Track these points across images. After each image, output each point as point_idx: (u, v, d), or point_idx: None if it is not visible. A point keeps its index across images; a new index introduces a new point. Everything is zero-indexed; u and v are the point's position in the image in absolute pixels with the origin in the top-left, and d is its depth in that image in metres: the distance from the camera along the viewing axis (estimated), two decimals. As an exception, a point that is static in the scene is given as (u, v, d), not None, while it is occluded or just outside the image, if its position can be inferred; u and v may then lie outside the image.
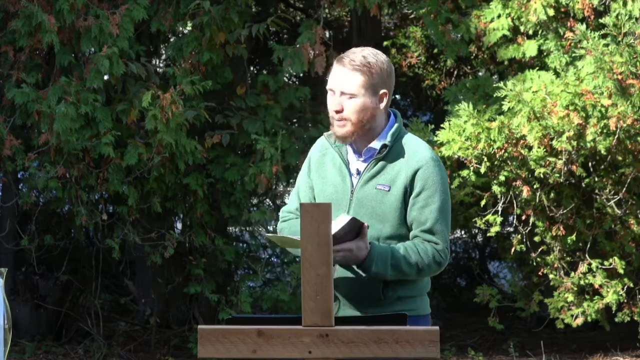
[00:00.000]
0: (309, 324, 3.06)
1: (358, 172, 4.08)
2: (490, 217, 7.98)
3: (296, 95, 8.51)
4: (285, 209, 4.24)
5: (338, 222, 3.85)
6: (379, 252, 3.96)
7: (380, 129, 4.11)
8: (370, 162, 4.07)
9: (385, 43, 10.94)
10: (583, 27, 7.43)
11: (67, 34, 7.86)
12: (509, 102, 7.52)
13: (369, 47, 4.19)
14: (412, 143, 4.10)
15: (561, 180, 7.69)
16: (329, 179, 4.11)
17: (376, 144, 4.08)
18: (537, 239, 8.03)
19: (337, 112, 4.04)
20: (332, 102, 4.06)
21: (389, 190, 4.03)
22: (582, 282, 8.00)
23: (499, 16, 8.02)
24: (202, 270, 8.40)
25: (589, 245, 8.00)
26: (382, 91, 4.06)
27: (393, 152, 4.07)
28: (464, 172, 7.81)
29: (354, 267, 3.99)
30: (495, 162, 7.70)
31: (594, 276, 7.99)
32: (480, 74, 9.67)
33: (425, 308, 4.14)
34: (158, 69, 8.74)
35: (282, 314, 8.46)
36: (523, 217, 7.99)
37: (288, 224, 4.19)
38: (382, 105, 4.07)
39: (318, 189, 4.13)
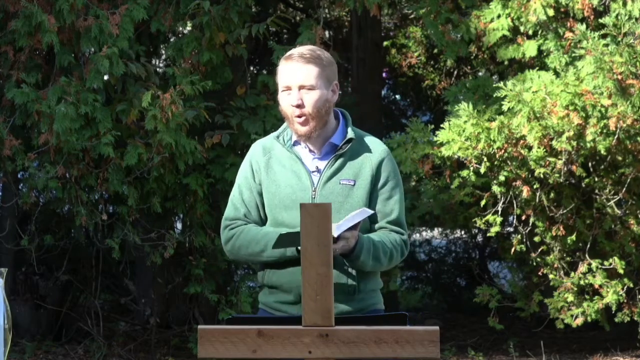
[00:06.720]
0: (309, 324, 3.06)
1: (318, 170, 4.04)
2: (490, 217, 7.98)
3: (296, 95, 8.50)
4: (229, 217, 4.09)
5: (351, 218, 3.84)
6: (364, 240, 3.94)
7: (333, 124, 4.08)
8: (330, 158, 4.03)
9: (385, 43, 10.95)
10: (583, 27, 7.44)
11: (67, 34, 7.86)
12: (508, 102, 7.52)
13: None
14: (368, 136, 4.11)
15: (561, 180, 7.69)
16: (283, 181, 4.03)
17: (336, 139, 4.06)
18: (537, 239, 8.03)
19: (298, 106, 3.96)
20: (291, 98, 3.97)
21: (354, 185, 4.02)
22: (582, 282, 8.00)
23: (498, 16, 8.02)
24: (202, 270, 8.39)
25: (589, 245, 8.00)
26: (334, 82, 4.04)
27: (353, 146, 4.06)
28: (464, 172, 7.81)
29: (341, 257, 3.94)
30: (495, 162, 7.70)
31: (594, 276, 7.99)
32: (480, 74, 9.68)
33: (382, 302, 4.16)
34: (158, 69, 8.74)
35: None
36: (523, 217, 7.99)
37: (240, 230, 4.06)
38: (335, 97, 4.06)
39: (272, 192, 4.03)
